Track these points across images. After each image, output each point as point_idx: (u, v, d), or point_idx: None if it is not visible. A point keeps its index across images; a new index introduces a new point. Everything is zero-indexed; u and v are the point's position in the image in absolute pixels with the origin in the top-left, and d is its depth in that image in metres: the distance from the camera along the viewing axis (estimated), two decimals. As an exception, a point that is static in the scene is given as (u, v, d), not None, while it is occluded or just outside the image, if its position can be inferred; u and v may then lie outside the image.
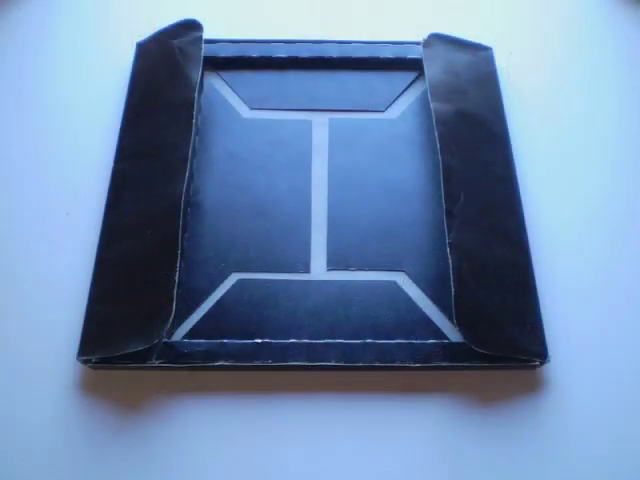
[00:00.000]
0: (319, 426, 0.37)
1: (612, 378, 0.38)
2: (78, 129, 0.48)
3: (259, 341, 0.38)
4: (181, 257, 0.39)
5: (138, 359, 0.37)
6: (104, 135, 0.46)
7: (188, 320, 0.39)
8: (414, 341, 0.38)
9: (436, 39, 0.49)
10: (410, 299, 0.40)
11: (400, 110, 0.48)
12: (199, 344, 0.38)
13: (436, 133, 0.44)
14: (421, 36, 0.50)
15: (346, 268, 0.41)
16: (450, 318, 0.39)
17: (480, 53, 0.50)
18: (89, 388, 0.37)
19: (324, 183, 0.45)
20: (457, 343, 0.38)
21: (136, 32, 0.51)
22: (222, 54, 0.50)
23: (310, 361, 0.37)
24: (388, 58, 0.50)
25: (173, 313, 0.37)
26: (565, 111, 0.49)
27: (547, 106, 0.49)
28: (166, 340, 0.38)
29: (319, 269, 0.41)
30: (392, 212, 0.43)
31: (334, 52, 0.50)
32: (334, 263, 0.42)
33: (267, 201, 0.44)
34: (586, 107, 0.49)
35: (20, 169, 0.46)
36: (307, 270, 0.41)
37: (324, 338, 0.38)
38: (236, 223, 0.43)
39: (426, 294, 0.40)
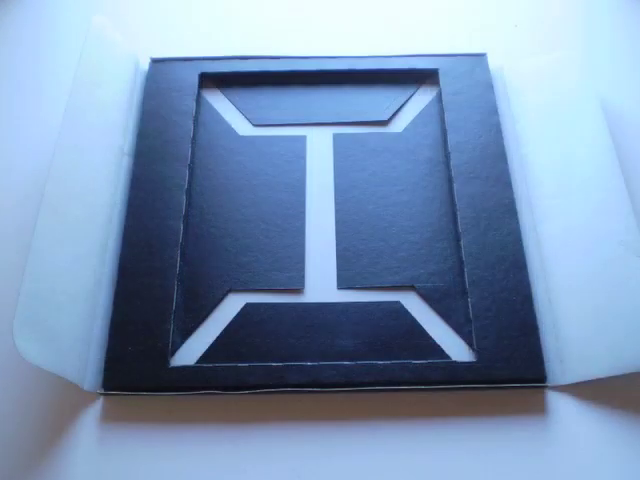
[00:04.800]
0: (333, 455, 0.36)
1: (617, 398, 0.37)
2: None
3: (264, 364, 0.37)
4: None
5: (144, 386, 0.36)
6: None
7: (187, 342, 0.39)
8: (422, 361, 0.37)
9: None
10: (418, 318, 0.39)
11: (404, 123, 0.47)
12: (200, 368, 0.37)
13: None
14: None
15: (354, 287, 0.41)
16: (460, 337, 0.38)
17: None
18: (99, 414, 0.37)
19: (330, 199, 0.44)
20: (465, 363, 0.37)
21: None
22: (222, 70, 0.49)
23: (311, 386, 0.36)
24: (391, 70, 0.49)
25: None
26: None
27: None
28: (169, 365, 0.37)
29: (327, 288, 0.41)
30: (399, 228, 0.43)
31: (336, 66, 0.49)
32: (342, 282, 0.41)
33: (270, 219, 0.43)
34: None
35: (20, 169, 0.46)
36: (313, 289, 0.40)
37: (330, 360, 0.37)
38: (237, 242, 0.42)
39: (436, 312, 0.40)
